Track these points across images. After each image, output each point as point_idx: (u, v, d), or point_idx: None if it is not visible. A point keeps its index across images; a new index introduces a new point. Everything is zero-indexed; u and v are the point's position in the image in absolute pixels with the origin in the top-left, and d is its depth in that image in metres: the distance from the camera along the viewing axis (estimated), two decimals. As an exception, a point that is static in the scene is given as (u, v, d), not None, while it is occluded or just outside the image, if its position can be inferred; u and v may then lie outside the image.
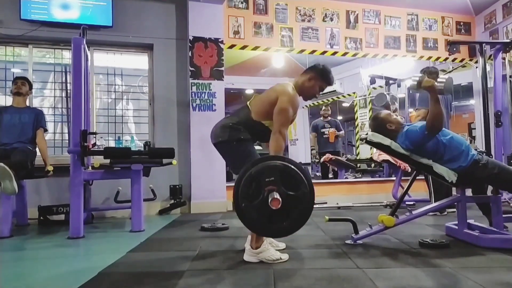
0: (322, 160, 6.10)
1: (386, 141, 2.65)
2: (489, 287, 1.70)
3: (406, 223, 2.71)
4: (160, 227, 3.61)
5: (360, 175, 6.55)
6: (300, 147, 9.09)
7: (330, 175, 6.67)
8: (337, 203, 4.87)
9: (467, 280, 1.81)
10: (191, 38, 4.71)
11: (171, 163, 3.73)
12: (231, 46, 5.04)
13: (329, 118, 6.87)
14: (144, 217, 3.71)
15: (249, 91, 10.08)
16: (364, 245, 2.62)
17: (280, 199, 1.52)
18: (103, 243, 3.06)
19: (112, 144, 4.73)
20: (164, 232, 3.38)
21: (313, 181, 5.48)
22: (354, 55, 5.63)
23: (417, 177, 2.83)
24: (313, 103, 9.39)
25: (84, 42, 3.46)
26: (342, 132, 6.93)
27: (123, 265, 2.27)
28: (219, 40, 4.81)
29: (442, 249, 2.45)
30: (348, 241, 2.71)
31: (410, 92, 6.06)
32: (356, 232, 2.72)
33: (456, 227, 2.78)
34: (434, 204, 2.82)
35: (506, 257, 2.22)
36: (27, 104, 3.95)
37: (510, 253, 2.28)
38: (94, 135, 3.49)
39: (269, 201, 1.52)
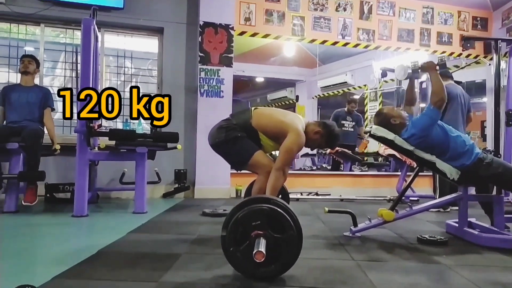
0: (328, 151, 6.08)
1: (390, 135, 2.62)
2: (480, 285, 1.70)
3: (407, 218, 2.70)
4: (163, 210, 3.67)
5: (367, 169, 6.52)
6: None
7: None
8: (340, 195, 4.87)
9: (459, 277, 1.81)
10: (201, 23, 4.70)
11: (176, 148, 3.76)
12: (242, 33, 5.01)
13: (353, 112, 6.61)
14: (147, 200, 3.78)
15: (259, 79, 10.08)
16: (362, 238, 2.63)
17: (264, 252, 1.53)
18: (105, 223, 3.12)
19: (119, 126, 4.77)
20: (166, 215, 3.43)
21: (317, 172, 5.50)
22: (366, 46, 5.56)
23: (423, 173, 2.81)
24: (323, 94, 9.34)
25: (94, 23, 3.46)
26: (362, 127, 6.71)
27: (122, 245, 2.31)
28: (230, 26, 4.78)
29: (440, 246, 2.44)
30: (346, 233, 2.71)
31: (422, 87, 5.98)
32: (355, 224, 2.72)
33: (457, 225, 2.77)
34: (435, 201, 2.81)
35: (503, 257, 2.21)
36: (36, 82, 3.98)
37: (508, 253, 2.26)
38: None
39: (253, 253, 1.53)
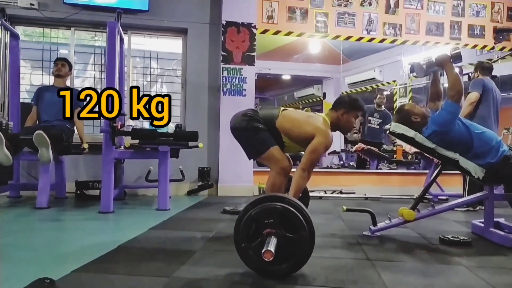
0: (354, 149, 5.98)
1: (410, 132, 2.55)
2: (500, 288, 1.64)
3: (433, 218, 2.62)
4: (185, 207, 3.74)
5: (396, 167, 6.36)
6: (335, 134, 8.94)
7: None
8: (365, 194, 4.78)
9: (479, 280, 1.74)
10: (224, 22, 4.74)
11: (197, 146, 3.83)
12: (264, 31, 5.02)
13: (383, 108, 6.44)
14: (172, 197, 3.87)
15: (285, 77, 10.03)
16: (381, 238, 2.58)
17: (273, 251, 1.53)
18: (129, 219, 3.23)
19: (146, 125, 4.91)
20: (187, 212, 3.50)
21: (342, 170, 5.43)
22: (393, 41, 5.42)
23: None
24: (355, 89, 9.16)
25: (119, 26, 3.58)
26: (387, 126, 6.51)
27: (142, 240, 2.39)
28: (252, 25, 4.80)
29: (463, 247, 2.35)
30: (366, 233, 2.67)
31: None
32: (374, 224, 2.67)
33: (482, 225, 2.66)
34: (458, 200, 2.71)
35: (530, 259, 2.11)
36: (67, 84, 4.17)
37: (535, 256, 2.16)
38: (123, 116, 3.64)
39: (262, 252, 1.53)
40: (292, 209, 1.69)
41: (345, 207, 2.79)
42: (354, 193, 4.93)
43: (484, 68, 4.04)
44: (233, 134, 2.62)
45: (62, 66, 3.94)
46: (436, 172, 2.73)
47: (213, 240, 2.43)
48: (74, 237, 2.52)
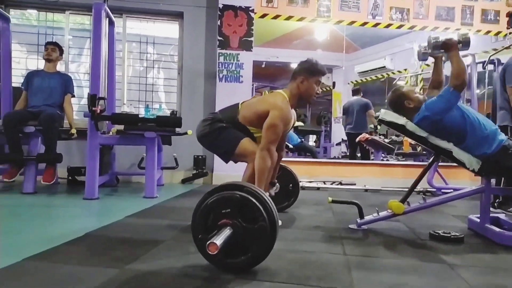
0: (357, 139, 5.79)
1: (401, 120, 2.38)
2: (480, 291, 1.48)
3: (429, 212, 2.45)
4: (174, 195, 3.66)
5: (404, 158, 6.15)
6: (339, 123, 8.80)
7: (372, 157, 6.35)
8: (365, 185, 4.60)
9: (459, 279, 1.58)
10: (220, 6, 4.58)
11: (186, 133, 3.72)
12: (263, 16, 4.84)
13: None
14: (164, 184, 3.74)
15: (294, 65, 9.80)
16: (367, 231, 2.43)
17: (218, 244, 1.40)
18: (111, 206, 3.15)
19: (142, 111, 4.83)
20: (174, 201, 3.41)
21: (343, 160, 5.25)
22: (399, 27, 5.17)
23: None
24: (365, 78, 8.88)
25: (106, 7, 3.47)
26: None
27: (112, 228, 2.30)
28: (250, 9, 4.62)
29: (453, 243, 2.19)
30: (352, 226, 2.53)
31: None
32: (361, 216, 2.52)
33: (478, 221, 2.47)
34: (453, 193, 2.52)
35: (523, 259, 1.93)
36: (62, 69, 4.10)
37: (531, 255, 1.97)
38: (105, 100, 3.53)
39: (206, 244, 1.40)
40: (250, 198, 1.56)
41: (330, 199, 2.63)
42: (354, 184, 4.76)
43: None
44: (201, 143, 2.49)
45: (52, 50, 3.86)
46: (429, 162, 2.54)
47: (186, 229, 2.31)
48: (47, 225, 2.44)
